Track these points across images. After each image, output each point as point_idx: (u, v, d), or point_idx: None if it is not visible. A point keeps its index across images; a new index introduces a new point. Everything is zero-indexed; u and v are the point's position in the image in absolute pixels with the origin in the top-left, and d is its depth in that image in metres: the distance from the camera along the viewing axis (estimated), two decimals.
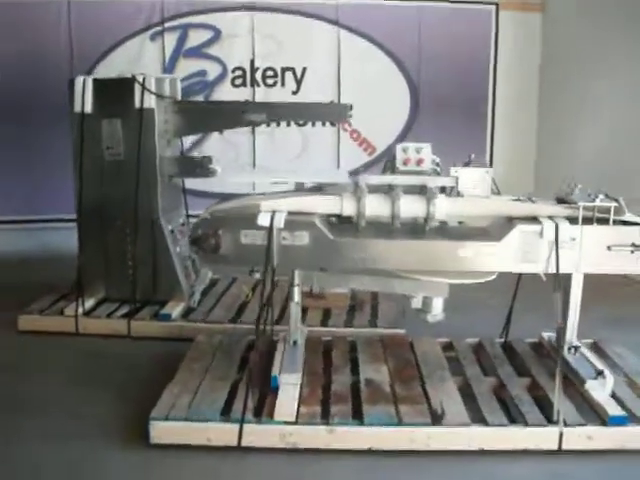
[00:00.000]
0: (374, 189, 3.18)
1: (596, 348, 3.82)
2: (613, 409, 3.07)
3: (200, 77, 6.74)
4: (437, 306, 3.34)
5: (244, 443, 2.99)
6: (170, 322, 4.43)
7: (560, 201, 3.22)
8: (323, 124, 6.86)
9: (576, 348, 3.48)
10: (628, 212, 3.09)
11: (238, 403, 3.14)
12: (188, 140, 6.18)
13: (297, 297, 3.55)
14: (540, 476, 2.91)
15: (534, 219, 3.11)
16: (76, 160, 4.49)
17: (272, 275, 3.17)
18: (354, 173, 3.49)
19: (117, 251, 4.58)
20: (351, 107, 4.72)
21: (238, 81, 6.80)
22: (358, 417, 3.08)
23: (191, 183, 5.26)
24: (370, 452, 2.99)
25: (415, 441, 2.98)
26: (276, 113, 4.90)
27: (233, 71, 6.77)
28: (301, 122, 6.78)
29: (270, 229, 3.06)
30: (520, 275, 3.54)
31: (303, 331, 3.83)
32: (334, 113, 4.99)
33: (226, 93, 6.71)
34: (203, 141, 6.61)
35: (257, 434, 3.01)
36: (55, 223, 6.25)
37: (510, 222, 3.11)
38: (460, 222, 3.32)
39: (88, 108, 4.40)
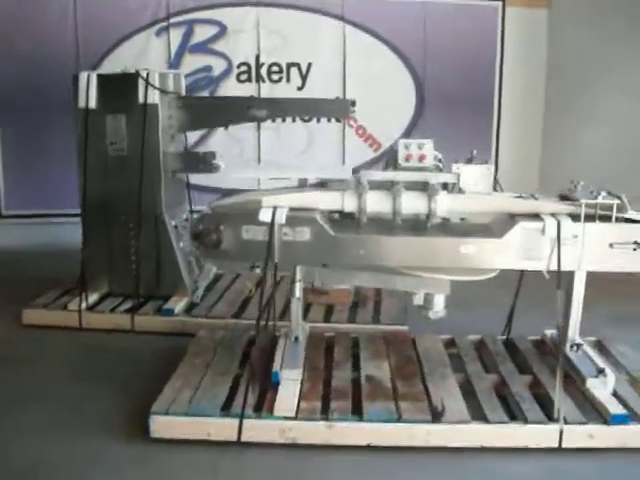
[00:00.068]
0: (376, 185, 3.17)
1: (599, 346, 3.80)
2: (614, 407, 3.06)
3: (205, 73, 6.74)
4: (439, 303, 3.33)
5: (244, 438, 3.00)
6: (173, 317, 4.44)
7: (563, 198, 3.20)
8: (328, 120, 6.84)
9: (578, 346, 3.47)
10: (631, 209, 3.07)
11: (239, 398, 3.15)
12: (195, 135, 6.20)
13: (298, 293, 3.55)
14: (540, 473, 2.90)
15: (536, 216, 3.09)
16: (80, 155, 4.51)
17: (275, 271, 3.18)
18: (359, 169, 3.48)
19: (121, 246, 4.60)
20: (354, 103, 4.71)
21: (243, 77, 6.80)
22: (358, 413, 3.09)
23: (195, 178, 5.27)
24: (369, 448, 2.99)
25: (415, 437, 2.99)
26: (279, 109, 4.89)
27: (238, 67, 6.77)
28: (306, 118, 6.77)
29: (271, 225, 3.05)
30: (522, 272, 3.53)
31: (305, 327, 3.83)
32: (338, 109, 4.98)
33: (231, 89, 6.71)
34: (209, 136, 6.62)
35: (257, 429, 3.02)
36: (61, 218, 6.28)
37: (512, 219, 3.09)
38: (462, 219, 3.30)
39: (92, 104, 4.41)
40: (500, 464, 2.94)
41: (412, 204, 3.12)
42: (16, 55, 6.41)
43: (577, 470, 2.90)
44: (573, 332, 3.47)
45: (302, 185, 3.42)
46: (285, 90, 6.72)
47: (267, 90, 6.78)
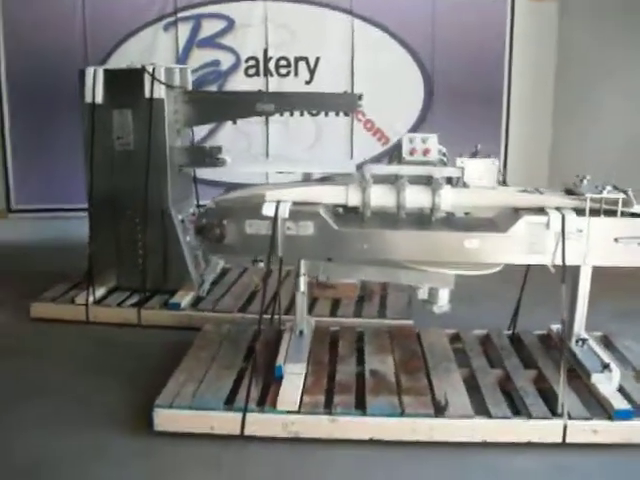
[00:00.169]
0: (380, 179, 3.16)
1: (605, 341, 3.78)
2: (619, 403, 3.04)
3: (213, 67, 6.75)
4: (443, 297, 3.32)
5: (247, 432, 3.01)
6: (179, 311, 4.46)
7: (568, 192, 3.18)
8: (336, 114, 6.84)
9: (584, 341, 3.45)
10: (637, 204, 3.04)
11: (242, 392, 3.15)
12: (203, 129, 6.21)
13: (303, 287, 3.55)
14: (543, 468, 2.89)
15: (541, 210, 3.07)
16: (87, 150, 4.52)
17: (280, 265, 3.18)
18: (367, 163, 3.48)
19: (128, 240, 4.61)
20: (361, 97, 4.70)
21: (251, 71, 6.81)
22: (361, 407, 3.09)
23: (203, 173, 5.29)
24: (372, 442, 2.99)
25: (417, 432, 2.98)
26: (286, 103, 4.89)
27: (246, 61, 6.79)
28: (314, 112, 6.75)
29: (275, 219, 3.05)
30: (528, 267, 3.51)
31: (310, 321, 3.84)
32: (345, 103, 4.97)
33: (239, 83, 6.73)
34: (217, 131, 6.63)
35: (260, 423, 3.03)
36: (69, 213, 6.32)
37: (516, 213, 3.08)
38: (466, 213, 3.29)
39: (99, 99, 4.42)
40: (503, 459, 2.92)
41: (416, 198, 3.12)
42: (25, 51, 6.46)
43: (581, 465, 2.89)
44: (579, 327, 3.45)
45: (307, 179, 3.41)
46: (293, 84, 6.72)
47: (275, 84, 6.78)
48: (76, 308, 4.47)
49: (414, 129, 6.74)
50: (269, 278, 3.22)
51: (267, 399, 3.13)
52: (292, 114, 6.71)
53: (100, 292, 4.63)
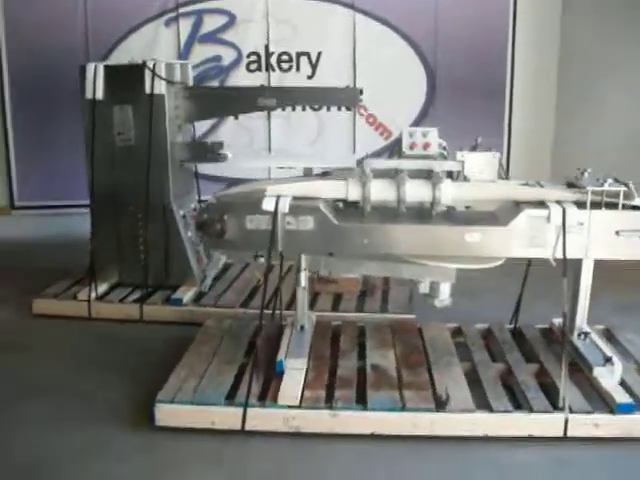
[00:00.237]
0: (380, 174, 3.15)
1: (607, 334, 3.77)
2: (621, 396, 3.04)
3: (215, 62, 6.73)
4: (444, 291, 3.32)
5: (248, 427, 3.02)
6: (181, 307, 4.46)
7: (570, 185, 3.17)
8: (339, 109, 6.80)
9: (586, 334, 3.44)
10: (638, 197, 3.02)
11: (243, 387, 3.16)
12: (205, 124, 6.20)
13: (304, 282, 3.55)
14: (544, 462, 2.88)
15: (542, 204, 3.06)
16: (88, 146, 4.52)
17: (281, 260, 3.18)
18: (370, 158, 3.46)
19: (129, 236, 4.61)
20: (361, 91, 4.69)
21: (253, 66, 6.78)
22: (362, 402, 3.09)
23: (204, 168, 5.28)
24: (373, 437, 2.99)
25: (418, 426, 2.98)
26: (288, 97, 4.88)
27: (248, 56, 6.75)
28: (316, 107, 6.74)
29: (275, 214, 3.05)
30: (530, 260, 3.50)
31: (311, 316, 3.84)
32: (346, 97, 4.94)
33: (241, 78, 6.70)
34: (219, 126, 6.62)
35: (261, 418, 3.03)
36: (71, 209, 6.33)
37: (517, 207, 3.07)
38: (467, 207, 3.28)
39: (99, 94, 4.42)
40: (504, 453, 2.92)
41: (416, 192, 3.11)
42: (27, 47, 6.46)
43: (582, 459, 2.88)
44: (580, 320, 3.45)
45: (307, 174, 3.41)
46: (295, 79, 6.68)
47: (277, 79, 6.75)
48: (78, 304, 4.48)
49: (417, 123, 6.72)
50: (270, 273, 3.22)
51: (268, 394, 3.14)
52: (294, 109, 6.66)
53: (102, 288, 4.63)
